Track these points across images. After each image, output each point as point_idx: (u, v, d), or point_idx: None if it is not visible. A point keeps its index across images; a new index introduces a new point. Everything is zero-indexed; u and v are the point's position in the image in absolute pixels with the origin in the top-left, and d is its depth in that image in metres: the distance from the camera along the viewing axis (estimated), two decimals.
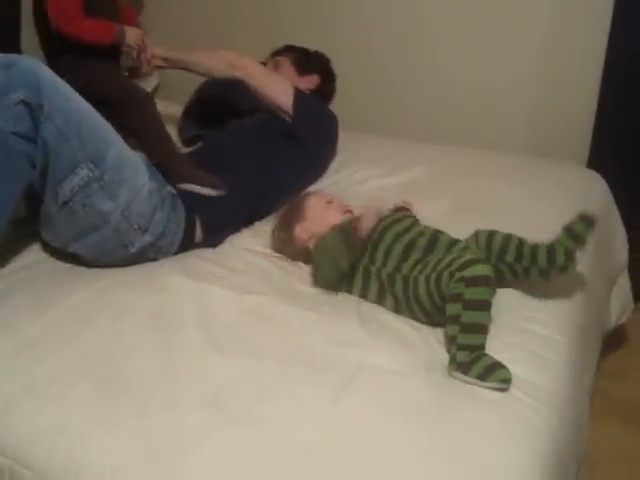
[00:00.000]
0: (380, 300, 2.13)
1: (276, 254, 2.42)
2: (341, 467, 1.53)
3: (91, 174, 2.18)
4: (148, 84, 3.92)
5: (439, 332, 1.97)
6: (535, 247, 2.04)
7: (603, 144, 3.28)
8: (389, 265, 2.11)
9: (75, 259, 2.33)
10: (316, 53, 3.24)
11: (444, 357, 1.86)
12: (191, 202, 2.45)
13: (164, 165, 2.47)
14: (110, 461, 1.58)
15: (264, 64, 3.10)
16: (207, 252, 2.44)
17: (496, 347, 1.88)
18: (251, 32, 3.87)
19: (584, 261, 2.23)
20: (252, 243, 2.49)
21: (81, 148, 2.16)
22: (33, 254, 2.39)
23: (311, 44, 3.24)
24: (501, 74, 3.48)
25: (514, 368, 1.80)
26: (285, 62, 3.15)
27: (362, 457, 1.55)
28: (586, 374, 2.13)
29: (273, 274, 2.29)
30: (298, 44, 3.25)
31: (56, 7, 2.53)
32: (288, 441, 1.59)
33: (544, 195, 2.64)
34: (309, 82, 3.12)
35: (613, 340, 2.83)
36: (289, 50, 3.22)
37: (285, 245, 2.40)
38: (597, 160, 3.26)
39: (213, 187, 2.49)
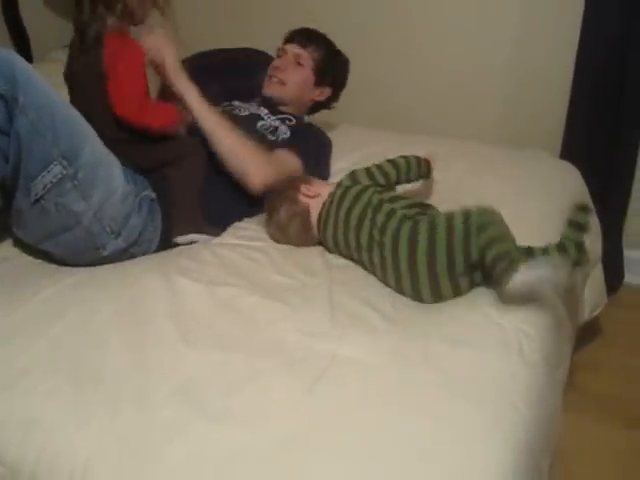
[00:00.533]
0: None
1: (249, 244, 2.40)
2: (315, 461, 1.52)
3: (65, 171, 2.14)
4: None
5: (414, 321, 1.97)
6: (545, 250, 2.05)
7: (576, 135, 3.30)
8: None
9: (46, 256, 2.31)
10: (342, 60, 3.01)
11: (418, 347, 1.86)
12: (168, 207, 2.42)
13: None
14: (82, 456, 1.57)
15: (278, 57, 2.97)
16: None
17: (469, 342, 1.88)
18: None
19: None
20: (222, 236, 2.48)
21: (55, 144, 2.12)
22: (4, 250, 2.38)
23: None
24: (474, 65, 3.52)
25: (488, 362, 1.81)
26: (307, 64, 2.91)
27: (336, 451, 1.55)
28: (560, 368, 2.12)
29: (243, 266, 2.26)
30: None
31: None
32: (260, 435, 1.58)
33: (520, 185, 2.64)
34: (320, 94, 2.98)
35: (587, 333, 2.84)
36: (318, 45, 2.94)
37: (286, 225, 2.38)
38: (570, 152, 3.28)
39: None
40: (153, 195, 2.41)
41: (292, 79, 2.89)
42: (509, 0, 3.35)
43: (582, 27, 3.12)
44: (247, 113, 2.81)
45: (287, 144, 2.68)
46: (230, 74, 3.07)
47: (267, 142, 2.66)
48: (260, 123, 2.76)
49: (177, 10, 3.71)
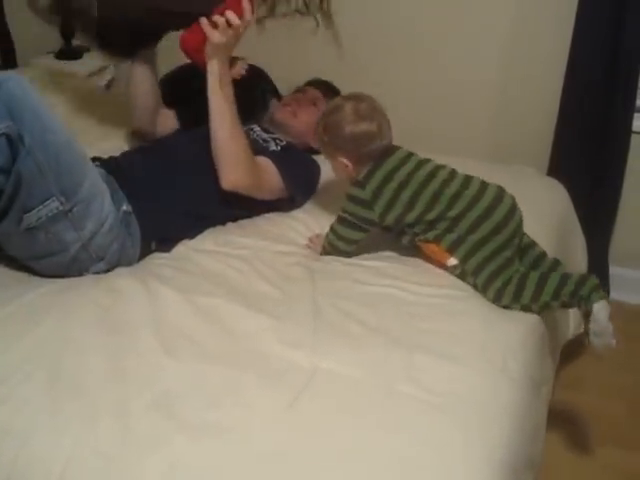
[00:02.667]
0: None
1: (229, 251, 2.38)
2: (295, 476, 1.51)
3: (61, 207, 2.12)
4: (102, 79, 3.88)
5: (397, 333, 1.96)
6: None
7: (564, 152, 3.30)
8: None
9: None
10: None
11: (401, 360, 1.85)
12: (144, 219, 2.40)
13: None
14: (56, 468, 1.54)
15: (298, 92, 3.08)
16: (157, 253, 2.41)
17: (452, 355, 1.88)
18: None
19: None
20: (203, 244, 2.45)
21: (56, 182, 2.09)
22: None
23: None
24: (462, 79, 3.50)
25: (473, 379, 1.81)
26: (322, 109, 2.73)
27: (316, 466, 1.53)
28: (544, 385, 2.12)
29: (225, 275, 2.24)
30: None
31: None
32: (240, 449, 1.56)
33: None
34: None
35: (571, 350, 2.83)
36: (327, 89, 3.10)
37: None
38: (557, 168, 3.29)
39: None
40: (130, 208, 2.39)
41: (304, 116, 2.90)
42: (498, 15, 3.35)
43: (572, 43, 3.12)
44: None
45: (274, 156, 2.66)
46: None
47: (258, 146, 2.67)
48: (251, 135, 2.76)
49: None
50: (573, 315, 2.68)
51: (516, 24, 3.33)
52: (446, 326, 2.00)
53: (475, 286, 2.15)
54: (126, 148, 2.93)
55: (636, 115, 3.21)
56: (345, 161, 2.29)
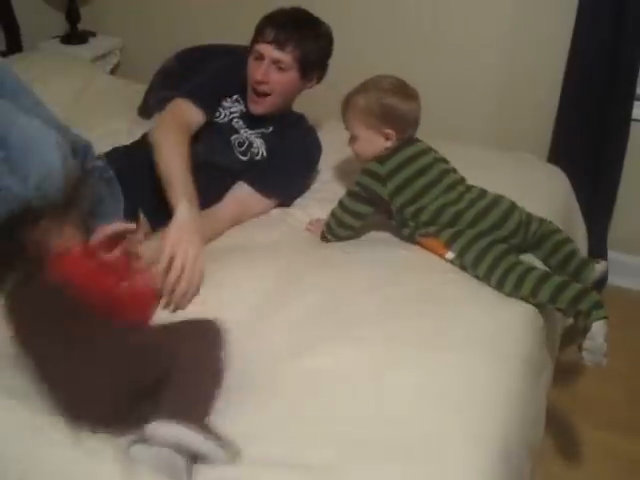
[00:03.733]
0: None
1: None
2: None
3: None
4: (107, 64, 3.90)
5: (396, 326, 1.96)
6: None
7: (564, 139, 3.33)
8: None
9: None
10: (323, 45, 2.68)
11: (399, 351, 1.86)
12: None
13: None
14: None
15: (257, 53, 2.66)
16: None
17: (451, 344, 1.90)
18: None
19: (542, 257, 2.30)
20: None
21: None
22: None
23: None
24: (464, 67, 3.51)
25: (474, 363, 1.83)
26: (290, 66, 2.57)
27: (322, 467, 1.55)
28: (545, 371, 2.14)
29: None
30: None
31: None
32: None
33: (506, 189, 2.61)
34: (308, 85, 2.72)
35: (571, 335, 2.85)
36: (296, 41, 2.56)
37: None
38: (558, 155, 3.31)
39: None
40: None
41: (276, 88, 2.60)
42: (500, 2, 3.36)
43: (574, 30, 3.14)
44: (226, 120, 2.69)
45: (255, 177, 2.56)
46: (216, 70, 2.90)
47: (235, 166, 2.59)
48: (234, 136, 2.66)
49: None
50: None
51: (518, 11, 3.34)
52: (446, 313, 2.01)
53: (477, 277, 2.17)
54: (130, 133, 2.91)
55: (636, 103, 3.23)
56: (391, 132, 2.33)
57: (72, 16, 3.85)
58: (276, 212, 2.56)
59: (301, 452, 1.57)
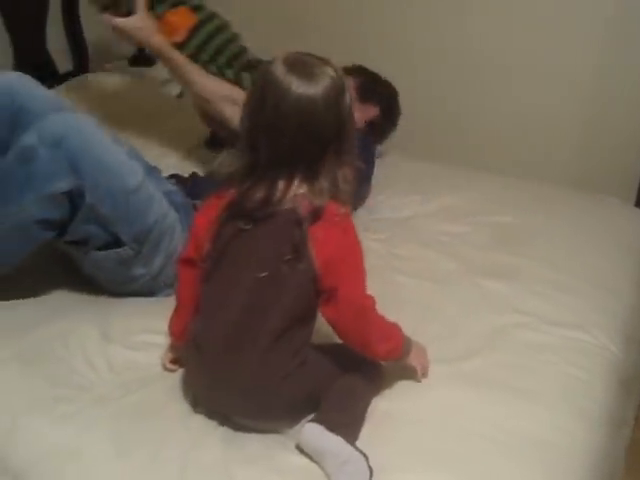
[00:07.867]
0: None
1: None
2: None
3: (132, 252, 2.09)
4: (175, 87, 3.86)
5: (471, 367, 1.89)
6: None
7: None
8: None
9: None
10: (385, 83, 2.93)
11: (475, 396, 1.79)
12: None
13: None
14: None
15: None
16: None
17: (533, 390, 1.82)
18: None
19: (626, 315, 2.21)
20: None
21: (127, 231, 2.06)
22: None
23: None
24: (548, 101, 3.44)
25: (550, 414, 1.75)
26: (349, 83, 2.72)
27: None
28: (624, 426, 2.05)
29: None
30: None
31: None
32: None
33: (586, 231, 2.54)
34: (367, 112, 2.81)
35: None
36: (358, 71, 2.83)
37: None
38: None
39: None
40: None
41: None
42: (588, 36, 3.28)
43: None
44: None
45: None
46: None
47: None
48: None
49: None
50: None
51: (605, 52, 3.27)
52: (523, 360, 1.94)
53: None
54: (198, 157, 2.91)
55: None
56: None
57: None
58: None
59: None
